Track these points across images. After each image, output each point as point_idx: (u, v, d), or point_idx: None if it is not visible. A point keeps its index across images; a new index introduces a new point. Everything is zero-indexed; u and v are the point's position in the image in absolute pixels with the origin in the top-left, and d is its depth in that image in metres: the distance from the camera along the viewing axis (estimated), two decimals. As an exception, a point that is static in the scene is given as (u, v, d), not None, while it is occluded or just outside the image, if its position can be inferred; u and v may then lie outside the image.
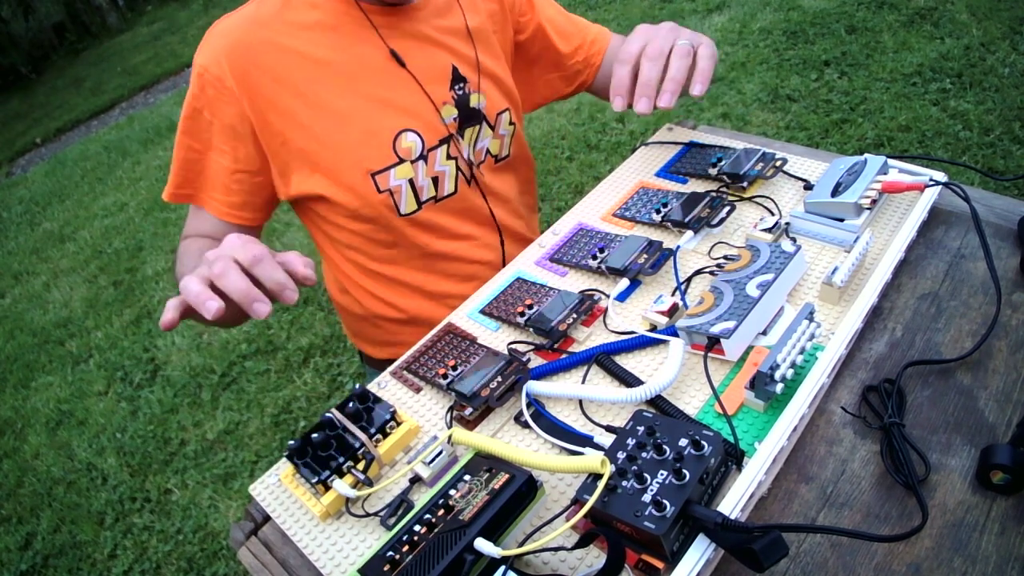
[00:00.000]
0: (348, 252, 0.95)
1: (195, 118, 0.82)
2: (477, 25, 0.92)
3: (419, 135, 0.85)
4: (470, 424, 0.62)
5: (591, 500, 0.46)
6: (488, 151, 0.94)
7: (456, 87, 0.88)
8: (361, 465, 0.58)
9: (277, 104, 0.80)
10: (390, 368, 0.70)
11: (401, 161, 0.84)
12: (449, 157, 0.89)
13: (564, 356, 0.65)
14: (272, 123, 0.81)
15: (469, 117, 0.89)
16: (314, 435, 0.59)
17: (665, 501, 0.46)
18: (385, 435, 0.60)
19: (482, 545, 0.46)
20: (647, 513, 0.46)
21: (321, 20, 0.81)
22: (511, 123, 0.96)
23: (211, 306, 0.55)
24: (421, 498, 0.54)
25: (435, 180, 0.88)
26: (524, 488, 0.50)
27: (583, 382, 0.63)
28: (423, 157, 0.86)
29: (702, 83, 0.73)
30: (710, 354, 0.60)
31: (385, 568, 0.47)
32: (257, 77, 0.79)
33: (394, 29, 0.84)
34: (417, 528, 0.49)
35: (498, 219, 0.96)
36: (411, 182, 0.86)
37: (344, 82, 0.82)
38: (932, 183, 0.70)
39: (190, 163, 0.85)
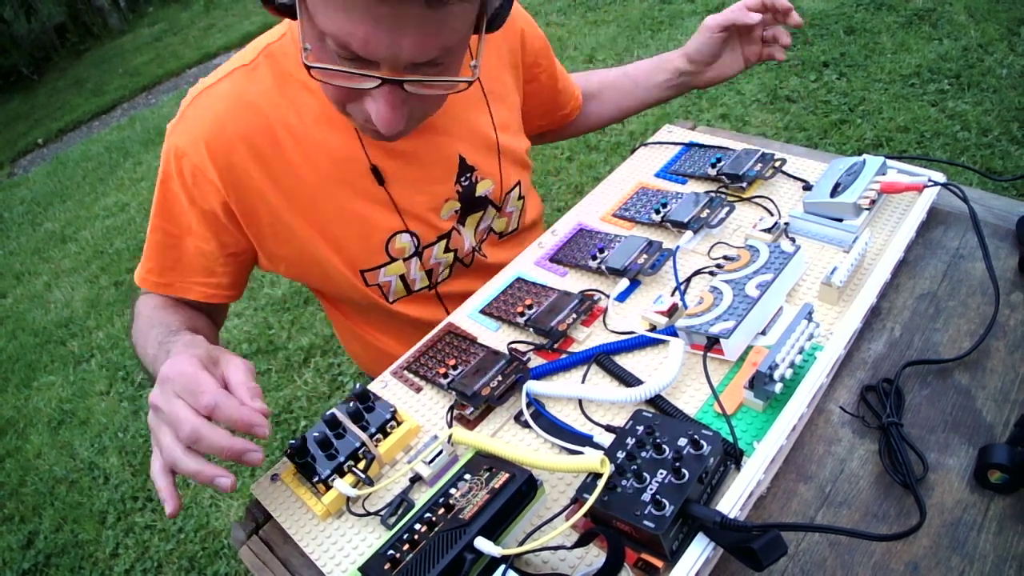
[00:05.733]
0: (338, 309, 0.92)
1: (171, 201, 0.75)
2: (499, 88, 0.83)
3: (414, 235, 0.80)
4: (470, 424, 0.62)
5: (591, 499, 0.47)
6: (491, 229, 0.88)
7: (462, 179, 0.80)
8: (362, 464, 0.58)
9: (264, 198, 0.73)
10: (391, 368, 0.71)
11: (393, 260, 0.80)
12: (447, 250, 0.84)
13: (564, 356, 0.65)
14: (260, 214, 0.74)
15: (473, 206, 0.83)
16: (315, 434, 0.59)
17: (664, 500, 0.46)
18: (386, 434, 0.60)
19: (482, 544, 0.46)
20: (646, 512, 0.46)
21: (317, 109, 0.72)
22: (520, 197, 0.89)
23: (224, 483, 0.52)
24: (421, 497, 0.54)
25: (429, 272, 0.84)
26: (524, 487, 0.50)
27: (583, 382, 0.63)
28: (417, 254, 0.81)
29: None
30: (709, 354, 0.60)
31: (386, 567, 0.47)
32: (242, 169, 0.71)
33: None
34: (417, 527, 0.49)
35: None
36: (402, 276, 0.82)
37: (337, 180, 0.74)
38: (931, 183, 0.70)
39: (166, 248, 0.77)
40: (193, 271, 0.78)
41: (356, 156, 0.74)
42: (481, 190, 0.83)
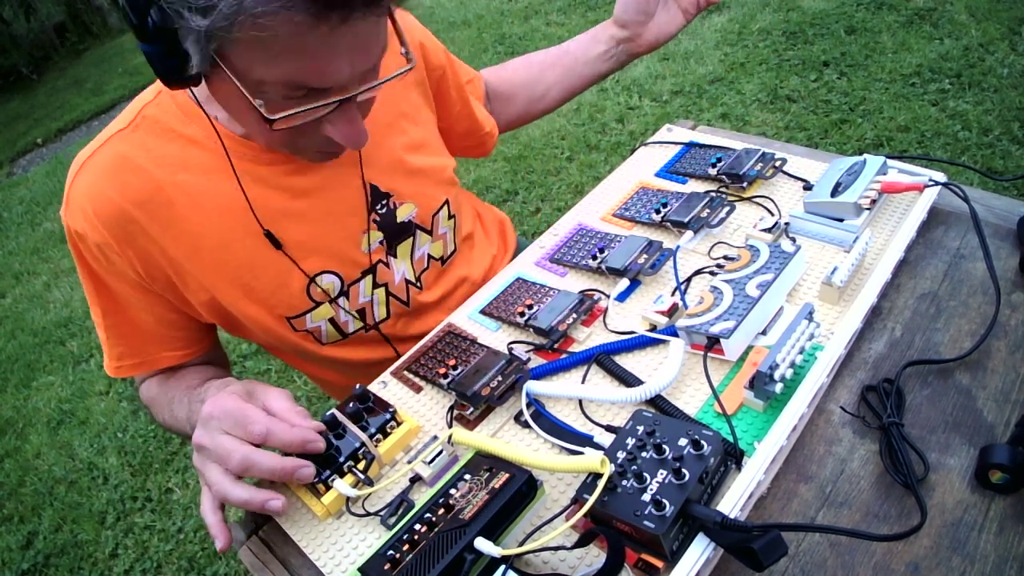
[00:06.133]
0: (284, 357, 0.89)
1: (98, 283, 0.72)
2: (406, 108, 0.79)
3: (336, 274, 0.75)
4: (470, 424, 0.62)
5: (591, 499, 0.47)
6: (430, 256, 0.83)
7: (378, 207, 0.76)
8: (362, 465, 0.58)
9: (171, 260, 0.70)
10: (391, 368, 0.70)
11: (317, 304, 0.76)
12: (376, 286, 0.79)
13: (564, 356, 0.65)
14: (171, 277, 0.71)
15: (398, 233, 0.78)
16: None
17: (665, 500, 0.46)
18: (385, 435, 0.60)
19: (482, 544, 0.46)
20: (647, 512, 0.46)
21: (208, 162, 0.68)
22: (451, 216, 0.84)
23: (275, 505, 0.54)
24: (421, 497, 0.54)
25: (361, 311, 0.79)
26: (524, 487, 0.50)
27: (583, 382, 0.63)
28: (344, 294, 0.77)
29: None
30: (710, 354, 0.60)
31: (386, 567, 0.47)
32: (139, 233, 0.68)
33: (290, 164, 0.70)
34: (417, 527, 0.49)
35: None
36: (331, 320, 0.78)
37: (240, 231, 0.70)
38: (931, 183, 0.70)
39: (119, 327, 0.75)
40: (154, 341, 0.76)
41: (256, 204, 0.69)
42: (403, 215, 0.78)
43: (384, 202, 0.77)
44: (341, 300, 0.77)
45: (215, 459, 0.55)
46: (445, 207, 0.83)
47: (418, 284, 0.83)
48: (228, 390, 0.58)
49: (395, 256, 0.79)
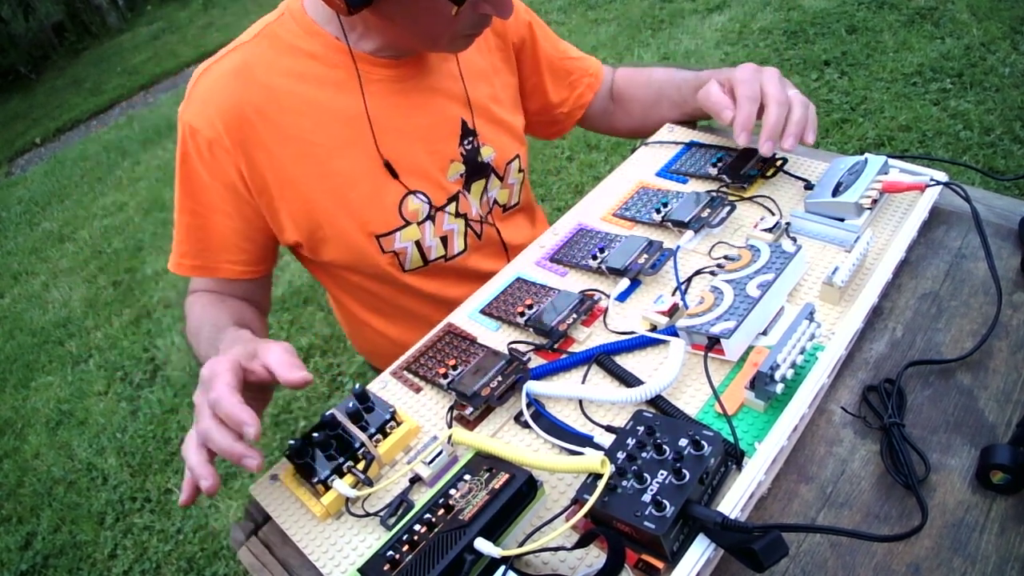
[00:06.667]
0: (348, 293, 0.92)
1: (193, 180, 0.77)
2: (488, 65, 0.88)
3: (426, 196, 0.82)
4: (470, 424, 0.62)
5: (591, 500, 0.46)
6: (495, 201, 0.91)
7: (465, 142, 0.84)
8: (361, 465, 0.58)
9: (276, 165, 0.75)
10: (390, 368, 0.70)
11: (407, 224, 0.81)
12: (458, 215, 0.85)
13: (564, 356, 0.65)
14: (269, 184, 0.76)
15: (477, 171, 0.86)
16: (314, 435, 0.59)
17: (665, 501, 0.46)
18: (385, 435, 0.60)
19: (482, 545, 0.46)
20: (647, 513, 0.46)
21: (322, 75, 0.76)
22: (520, 170, 0.93)
23: (206, 485, 0.54)
24: (421, 498, 0.54)
25: (444, 239, 0.85)
26: (524, 488, 0.50)
27: (583, 382, 0.63)
28: (431, 217, 0.83)
29: (813, 132, 0.73)
30: (710, 354, 0.60)
31: (385, 568, 0.47)
32: (255, 137, 0.74)
33: (400, 83, 0.79)
34: (417, 528, 0.49)
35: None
36: (417, 243, 0.83)
37: (346, 142, 0.77)
38: (933, 183, 0.70)
39: (195, 228, 0.79)
40: (221, 249, 0.80)
41: (373, 106, 0.76)
42: (484, 156, 0.86)
43: (471, 139, 0.84)
44: (427, 225, 0.83)
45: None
46: (517, 159, 0.91)
47: (489, 221, 0.90)
48: (232, 352, 0.58)
49: (468, 192, 0.86)
